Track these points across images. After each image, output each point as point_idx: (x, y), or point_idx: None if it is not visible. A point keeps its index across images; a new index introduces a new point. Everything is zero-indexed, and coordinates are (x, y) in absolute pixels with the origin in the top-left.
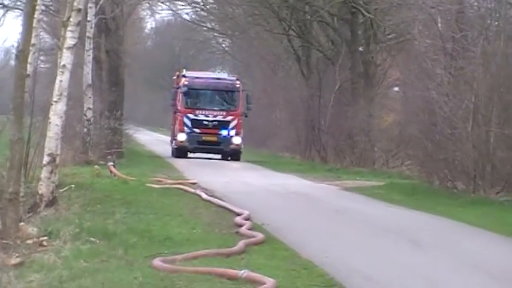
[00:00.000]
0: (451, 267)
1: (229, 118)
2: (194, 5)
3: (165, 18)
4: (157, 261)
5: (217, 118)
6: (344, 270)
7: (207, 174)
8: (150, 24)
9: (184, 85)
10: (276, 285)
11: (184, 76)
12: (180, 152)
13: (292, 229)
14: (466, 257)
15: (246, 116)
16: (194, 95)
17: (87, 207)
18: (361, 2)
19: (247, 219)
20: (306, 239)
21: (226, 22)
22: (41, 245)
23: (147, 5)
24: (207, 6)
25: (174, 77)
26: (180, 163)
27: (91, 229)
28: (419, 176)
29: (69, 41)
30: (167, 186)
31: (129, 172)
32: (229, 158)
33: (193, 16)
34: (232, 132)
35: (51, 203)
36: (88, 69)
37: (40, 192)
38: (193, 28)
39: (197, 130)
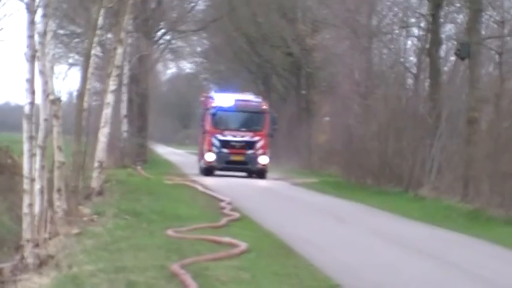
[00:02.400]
0: (363, 234)
1: (256, 138)
2: (194, 63)
3: (175, 71)
4: (169, 231)
5: (244, 138)
6: (292, 236)
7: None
8: (165, 75)
9: (213, 107)
10: (248, 247)
11: (212, 98)
12: (208, 171)
13: (259, 210)
14: (372, 228)
15: (271, 136)
16: (222, 116)
17: (123, 195)
18: (304, 61)
19: (229, 203)
20: (267, 217)
21: (214, 74)
22: (92, 220)
23: (163, 62)
24: (202, 64)
25: (202, 99)
26: (184, 167)
27: (126, 210)
28: (342, 176)
29: (111, 87)
30: (176, 182)
31: (151, 173)
32: (253, 176)
33: (193, 70)
34: (259, 152)
35: (100, 193)
36: (124, 105)
37: (92, 186)
38: (193, 78)
39: (225, 150)
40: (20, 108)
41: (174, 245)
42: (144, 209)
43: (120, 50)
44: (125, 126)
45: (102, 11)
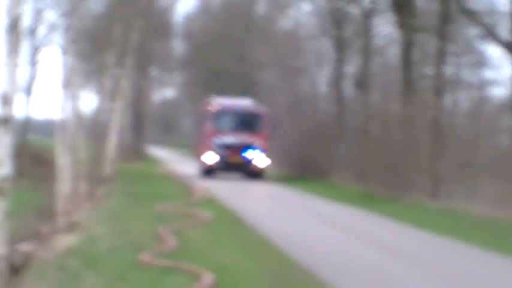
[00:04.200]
0: (299, 213)
1: (255, 141)
2: (175, 90)
3: (162, 96)
4: (158, 206)
5: (244, 141)
6: (248, 212)
7: (180, 167)
8: (155, 98)
9: (214, 109)
10: (213, 219)
11: (213, 102)
12: (208, 172)
13: (222, 194)
14: (299, 206)
15: (271, 139)
16: (223, 118)
17: (127, 182)
18: (251, 90)
19: (201, 188)
20: (228, 198)
21: (189, 98)
22: (106, 199)
23: (153, 90)
24: (181, 91)
25: (201, 104)
26: (168, 162)
27: (129, 192)
28: (287, 171)
29: (119, 107)
30: (162, 173)
31: (146, 166)
32: (251, 178)
33: (174, 96)
34: (258, 155)
35: (111, 180)
36: (127, 119)
37: (105, 174)
38: (174, 101)
39: (225, 152)
40: (56, 121)
41: (161, 216)
42: (141, 191)
43: (125, 81)
44: (128, 134)
45: (112, 54)
